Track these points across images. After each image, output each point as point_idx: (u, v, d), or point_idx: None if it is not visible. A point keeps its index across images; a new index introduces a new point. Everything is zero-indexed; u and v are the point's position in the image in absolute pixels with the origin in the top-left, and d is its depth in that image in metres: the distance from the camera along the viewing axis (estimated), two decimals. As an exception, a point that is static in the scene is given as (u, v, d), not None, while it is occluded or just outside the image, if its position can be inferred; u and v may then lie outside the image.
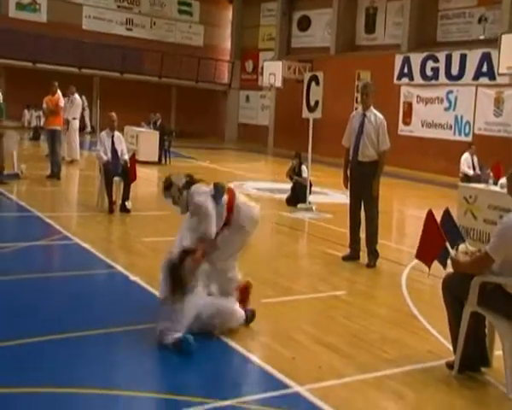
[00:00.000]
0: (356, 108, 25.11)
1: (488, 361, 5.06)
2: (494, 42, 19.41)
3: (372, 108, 8.45)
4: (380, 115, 8.44)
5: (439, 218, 5.28)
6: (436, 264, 5.16)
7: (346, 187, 8.64)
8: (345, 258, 8.51)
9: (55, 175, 14.21)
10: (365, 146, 8.27)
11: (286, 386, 4.51)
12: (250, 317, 5.56)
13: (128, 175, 10.99)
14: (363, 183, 8.31)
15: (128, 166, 11.12)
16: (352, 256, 8.50)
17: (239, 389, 4.45)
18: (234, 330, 5.38)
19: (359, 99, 8.89)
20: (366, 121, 8.34)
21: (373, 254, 8.36)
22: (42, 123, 19.45)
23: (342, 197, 16.15)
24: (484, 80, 20.86)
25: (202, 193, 5.50)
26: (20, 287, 6.54)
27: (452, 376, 4.90)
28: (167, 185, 5.67)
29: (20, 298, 6.15)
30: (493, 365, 5.05)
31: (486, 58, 20.62)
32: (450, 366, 4.99)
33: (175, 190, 5.63)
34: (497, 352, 5.00)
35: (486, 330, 5.09)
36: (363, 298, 7.04)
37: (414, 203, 16.43)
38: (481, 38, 21.78)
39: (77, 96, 17.93)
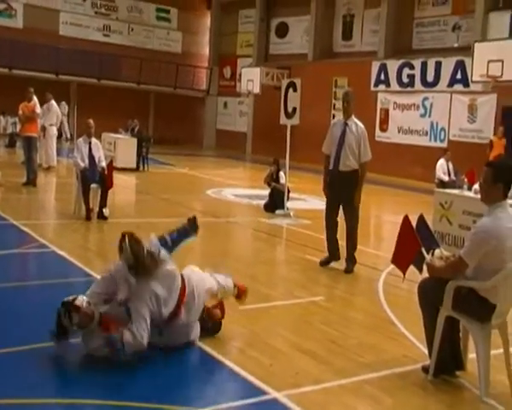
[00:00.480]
0: (334, 116, 25.43)
1: (463, 365, 5.12)
2: (468, 50, 19.57)
3: (353, 116, 8.40)
4: (361, 125, 8.38)
5: (414, 223, 5.33)
6: (412, 269, 5.21)
7: (327, 195, 8.63)
8: (322, 263, 8.54)
9: (30, 182, 14.10)
10: (346, 156, 8.23)
11: (263, 392, 4.51)
12: (214, 328, 5.51)
13: (105, 182, 10.95)
14: (343, 192, 8.32)
15: (105, 172, 11.08)
16: (330, 260, 8.54)
17: (216, 397, 4.45)
18: (211, 336, 5.38)
19: (341, 107, 8.72)
20: (348, 131, 8.29)
21: (351, 260, 8.39)
22: (18, 130, 19.27)
23: (320, 203, 16.24)
24: (458, 87, 21.09)
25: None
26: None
27: (428, 380, 4.94)
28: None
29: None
30: (467, 368, 5.11)
31: (460, 66, 20.85)
32: (425, 370, 5.03)
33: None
34: (471, 355, 5.05)
35: (461, 334, 5.15)
36: (341, 304, 7.08)
37: (391, 209, 16.54)
38: (455, 45, 22.02)
39: (53, 102, 17.83)
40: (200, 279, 5.34)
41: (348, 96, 8.53)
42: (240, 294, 5.86)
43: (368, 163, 8.41)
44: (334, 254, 8.55)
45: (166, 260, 5.08)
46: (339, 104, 25.56)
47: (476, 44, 18.60)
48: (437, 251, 5.38)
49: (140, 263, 4.86)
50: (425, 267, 5.12)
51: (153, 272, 4.87)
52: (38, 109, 15.31)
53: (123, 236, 4.99)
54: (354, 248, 8.45)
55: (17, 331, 5.37)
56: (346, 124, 8.32)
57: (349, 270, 8.32)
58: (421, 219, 5.45)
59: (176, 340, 5.09)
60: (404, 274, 5.22)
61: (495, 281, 4.70)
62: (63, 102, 18.94)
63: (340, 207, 8.52)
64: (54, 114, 17.79)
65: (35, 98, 15.34)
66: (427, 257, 5.18)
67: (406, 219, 5.18)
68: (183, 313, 5.04)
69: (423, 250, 5.15)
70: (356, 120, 8.39)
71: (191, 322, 5.16)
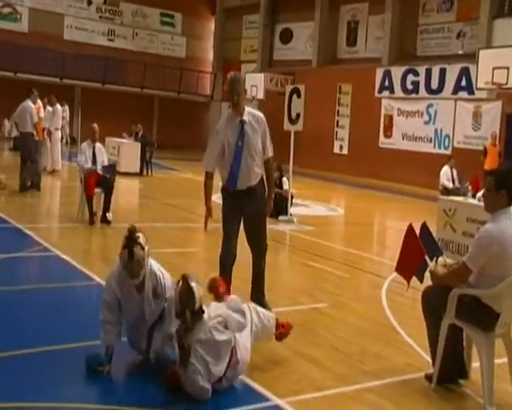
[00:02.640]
0: (338, 122, 25.43)
1: (466, 373, 5.10)
2: (472, 57, 19.54)
3: (246, 107, 6.25)
4: (259, 114, 6.38)
5: (417, 231, 5.33)
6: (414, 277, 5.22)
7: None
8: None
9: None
10: (249, 167, 6.14)
11: (266, 399, 4.51)
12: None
13: (109, 186, 10.96)
14: (249, 210, 6.28)
15: (110, 178, 11.11)
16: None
17: (220, 403, 4.44)
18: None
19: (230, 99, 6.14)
20: (246, 129, 6.10)
21: (264, 298, 6.38)
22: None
23: (323, 209, 16.30)
24: (463, 94, 21.05)
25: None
26: (-2, 299, 6.50)
27: (431, 388, 4.92)
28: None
29: (-2, 310, 6.11)
30: (471, 377, 5.09)
31: (465, 72, 20.81)
32: (429, 378, 5.02)
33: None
34: (475, 364, 5.04)
35: (464, 343, 5.14)
36: (345, 311, 7.04)
37: (395, 216, 16.52)
38: (460, 52, 21.98)
39: (58, 106, 17.87)
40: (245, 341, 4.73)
41: (234, 80, 6.14)
42: (281, 336, 5.26)
43: (272, 160, 6.49)
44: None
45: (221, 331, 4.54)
46: (342, 110, 25.69)
47: (481, 51, 18.60)
48: (440, 259, 5.38)
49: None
50: (428, 275, 5.12)
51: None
52: (42, 113, 15.35)
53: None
54: (263, 271, 6.54)
55: (18, 334, 5.37)
56: (242, 121, 6.09)
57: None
58: (424, 226, 5.45)
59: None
60: (409, 283, 5.20)
61: (499, 289, 4.69)
62: (66, 106, 18.93)
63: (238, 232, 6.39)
64: (58, 117, 17.84)
65: (39, 102, 15.38)
66: (431, 265, 5.17)
67: (410, 228, 5.16)
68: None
69: (427, 258, 5.15)
70: (250, 109, 6.29)
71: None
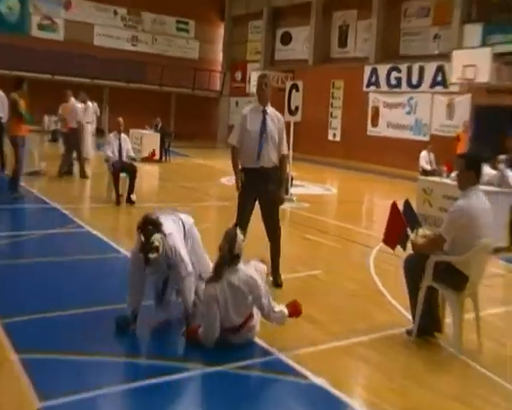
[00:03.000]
0: (331, 113, 25.31)
1: (440, 328, 5.15)
2: (446, 56, 19.51)
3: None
4: (279, 115, 6.47)
5: (401, 207, 5.33)
6: (399, 246, 5.23)
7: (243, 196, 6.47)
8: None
9: (69, 172, 14.13)
10: (269, 150, 6.22)
11: (269, 353, 4.53)
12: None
13: (133, 172, 10.97)
14: (263, 190, 6.29)
15: (134, 164, 11.11)
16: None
17: (228, 356, 4.46)
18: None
19: (257, 93, 6.35)
20: (268, 119, 6.24)
21: (278, 271, 6.37)
22: (58, 126, 19.23)
23: (318, 189, 16.25)
24: (438, 89, 20.92)
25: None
26: (40, 269, 6.53)
27: (411, 341, 4.96)
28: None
29: (41, 279, 6.15)
30: (445, 330, 5.14)
31: (440, 70, 20.68)
32: (409, 332, 5.05)
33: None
34: (448, 320, 5.11)
35: (439, 302, 5.15)
36: (337, 277, 7.06)
37: (381, 194, 16.49)
38: (436, 52, 21.85)
39: (90, 102, 17.79)
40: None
41: (265, 81, 6.31)
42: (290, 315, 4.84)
43: (287, 157, 6.69)
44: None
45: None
46: (336, 102, 25.54)
47: (453, 52, 18.62)
48: (420, 230, 5.38)
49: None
50: (409, 245, 5.12)
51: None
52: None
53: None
54: (279, 250, 6.45)
55: (58, 298, 5.41)
56: (265, 112, 6.24)
57: (279, 283, 6.27)
58: (406, 202, 5.46)
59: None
60: (394, 250, 5.25)
61: (468, 255, 4.72)
62: (94, 103, 18.87)
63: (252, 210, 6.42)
64: (89, 113, 17.76)
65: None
66: (412, 236, 5.18)
67: (394, 205, 5.20)
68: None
69: (408, 230, 5.17)
70: (273, 108, 6.38)
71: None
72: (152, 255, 4.54)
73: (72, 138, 14.27)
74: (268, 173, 6.19)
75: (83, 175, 14.08)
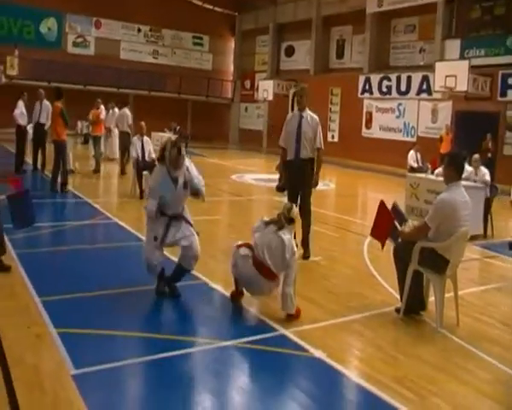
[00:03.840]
0: (330, 117, 25.23)
1: (425, 306, 5.17)
2: (430, 67, 19.43)
3: (307, 109, 7.08)
4: (315, 116, 7.10)
5: (389, 203, 5.32)
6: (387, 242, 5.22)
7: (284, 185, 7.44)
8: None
9: (97, 170, 14.22)
10: (304, 145, 6.93)
11: (274, 329, 4.55)
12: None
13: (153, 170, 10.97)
14: (301, 178, 7.01)
15: (154, 163, 11.09)
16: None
17: (237, 332, 4.48)
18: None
19: (296, 101, 7.28)
20: (303, 122, 6.97)
21: (308, 246, 7.03)
22: (89, 130, 19.29)
23: (319, 185, 16.17)
24: (424, 96, 20.83)
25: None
26: (74, 255, 6.59)
27: (399, 318, 4.98)
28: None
29: (74, 263, 6.20)
30: (428, 308, 5.16)
31: (425, 79, 20.59)
32: (397, 310, 5.07)
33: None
34: (431, 298, 5.12)
35: (424, 283, 5.16)
36: (335, 262, 7.08)
37: (373, 189, 16.44)
38: (421, 64, 21.78)
39: (116, 109, 17.81)
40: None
41: (301, 91, 7.25)
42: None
43: (322, 150, 7.09)
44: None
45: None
46: (334, 108, 25.44)
47: (436, 63, 18.54)
48: (408, 223, 5.40)
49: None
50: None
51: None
52: (103, 115, 15.35)
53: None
54: (309, 227, 7.06)
55: (88, 281, 5.46)
56: (301, 116, 7.01)
57: (307, 256, 6.93)
58: (394, 204, 5.46)
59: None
60: (383, 245, 5.18)
61: (450, 242, 4.73)
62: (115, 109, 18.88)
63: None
64: (116, 118, 17.76)
65: (102, 106, 15.38)
66: (399, 228, 5.19)
67: (382, 203, 5.21)
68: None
69: (397, 224, 5.16)
70: (310, 112, 7.08)
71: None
72: (182, 148, 4.94)
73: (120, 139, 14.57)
74: (304, 164, 6.93)
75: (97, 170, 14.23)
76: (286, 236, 4.81)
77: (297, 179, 6.99)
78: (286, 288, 4.74)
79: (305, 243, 7.00)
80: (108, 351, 3.96)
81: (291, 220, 4.92)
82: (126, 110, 14.78)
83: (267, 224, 4.96)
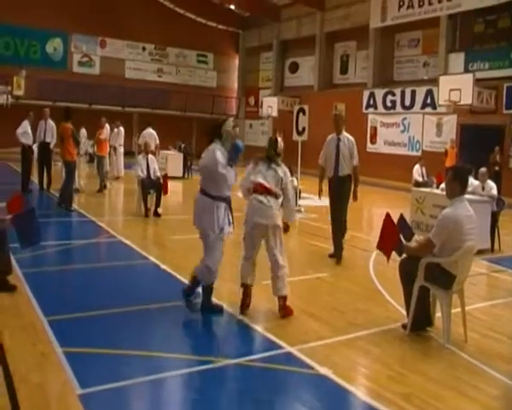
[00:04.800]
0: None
1: (431, 322, 5.14)
2: (434, 81, 19.47)
3: (344, 132, 8.02)
4: (351, 138, 8.01)
5: (395, 217, 5.32)
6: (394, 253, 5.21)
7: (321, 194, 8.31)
8: (330, 256, 8.08)
9: (101, 189, 14.28)
10: (342, 164, 7.83)
11: (280, 347, 4.55)
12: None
13: (159, 188, 11.04)
14: (340, 192, 7.90)
15: (160, 181, 11.18)
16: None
17: (244, 350, 4.48)
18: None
19: (334, 126, 8.16)
20: (341, 144, 7.89)
21: (341, 248, 7.96)
22: (94, 150, 19.43)
23: (325, 202, 16.16)
24: (428, 110, 20.89)
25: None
26: (80, 274, 6.62)
27: (406, 334, 4.95)
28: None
29: (80, 282, 6.23)
30: (435, 324, 5.13)
31: (430, 93, 20.64)
32: (404, 327, 5.05)
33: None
34: (438, 314, 5.09)
35: (431, 299, 5.14)
36: (341, 278, 7.06)
37: (379, 204, 16.41)
38: (425, 78, 21.84)
39: (121, 128, 17.96)
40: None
41: (337, 117, 8.19)
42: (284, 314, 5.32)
43: (358, 167, 8.03)
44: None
45: None
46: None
47: (440, 77, 18.63)
48: (415, 237, 5.39)
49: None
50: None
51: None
52: (103, 135, 15.32)
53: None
54: (344, 234, 8.02)
55: (94, 299, 5.49)
56: (338, 139, 7.93)
57: (338, 256, 7.87)
58: (401, 217, 5.47)
59: None
60: (388, 258, 5.16)
61: (455, 257, 4.72)
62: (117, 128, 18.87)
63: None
64: (121, 136, 17.93)
65: (107, 125, 15.51)
66: (405, 242, 5.18)
67: (387, 215, 5.19)
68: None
69: (402, 238, 5.15)
70: (346, 134, 8.02)
71: None
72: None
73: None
74: (342, 180, 7.85)
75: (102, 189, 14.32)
76: (278, 167, 5.43)
77: (336, 193, 7.90)
78: (289, 203, 5.58)
79: (338, 247, 7.87)
80: (114, 370, 3.97)
81: (278, 155, 5.55)
82: (150, 130, 15.08)
83: (256, 163, 5.50)
